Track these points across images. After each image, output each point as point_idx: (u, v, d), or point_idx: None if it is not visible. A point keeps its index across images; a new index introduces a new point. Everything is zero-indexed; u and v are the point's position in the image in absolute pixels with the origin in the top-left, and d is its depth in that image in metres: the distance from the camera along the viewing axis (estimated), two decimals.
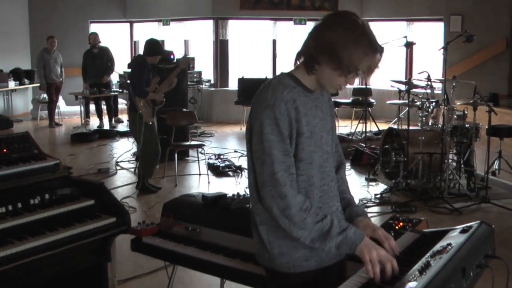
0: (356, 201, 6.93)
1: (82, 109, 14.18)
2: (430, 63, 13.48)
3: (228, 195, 3.81)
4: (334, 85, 2.51)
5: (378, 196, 7.89)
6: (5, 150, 3.85)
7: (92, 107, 14.63)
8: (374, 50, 2.41)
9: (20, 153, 3.91)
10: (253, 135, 2.50)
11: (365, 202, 7.63)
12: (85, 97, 13.93)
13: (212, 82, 15.77)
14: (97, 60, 13.71)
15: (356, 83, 15.11)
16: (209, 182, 8.84)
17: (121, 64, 14.95)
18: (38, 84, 14.36)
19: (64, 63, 14.28)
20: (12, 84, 14.92)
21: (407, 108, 8.62)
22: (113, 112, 14.45)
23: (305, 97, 2.54)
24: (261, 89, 2.54)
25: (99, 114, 14.30)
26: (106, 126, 14.17)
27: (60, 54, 14.09)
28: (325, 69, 2.45)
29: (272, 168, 2.42)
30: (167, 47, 14.46)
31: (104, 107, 14.39)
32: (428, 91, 8.92)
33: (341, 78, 2.45)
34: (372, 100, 13.34)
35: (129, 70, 9.43)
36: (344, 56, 2.36)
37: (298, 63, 2.56)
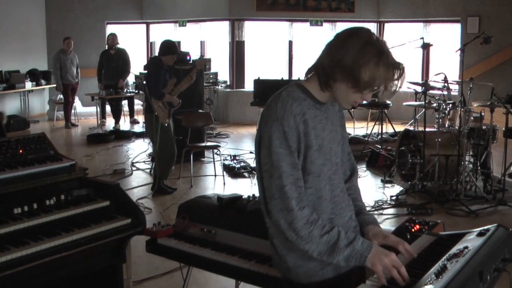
0: (372, 203, 6.90)
1: (98, 110, 14.23)
2: (447, 65, 13.42)
3: (243, 197, 3.80)
4: (350, 101, 2.51)
5: (394, 198, 7.85)
6: (21, 151, 3.86)
7: (108, 108, 14.66)
8: (393, 66, 2.39)
9: (36, 154, 3.92)
10: (261, 148, 2.50)
11: (380, 204, 7.59)
12: (101, 98, 13.96)
13: (228, 83, 15.78)
14: (114, 61, 13.73)
15: None
16: (224, 183, 8.84)
17: (138, 65, 15.01)
18: (55, 85, 14.44)
19: (80, 64, 14.36)
20: (29, 85, 14.99)
21: (424, 110, 8.58)
22: (120, 114, 14.41)
23: (315, 110, 2.54)
24: (271, 101, 2.53)
25: (115, 115, 14.35)
26: (123, 127, 14.22)
27: (76, 55, 14.17)
28: (341, 86, 2.44)
29: (281, 181, 2.43)
30: (183, 48, 14.46)
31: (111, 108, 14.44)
32: (445, 92, 8.88)
33: (356, 95, 2.45)
34: (388, 102, 13.27)
35: (145, 71, 9.45)
36: (362, 74, 2.35)
37: (310, 75, 2.55)
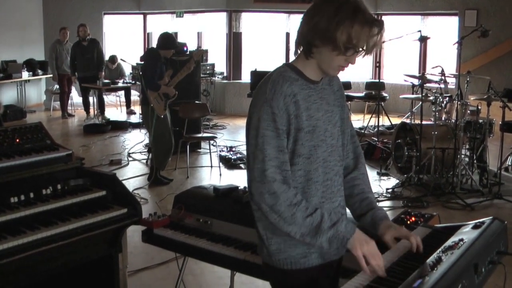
0: None
1: (95, 100, 14.18)
2: (444, 58, 13.42)
3: (239, 188, 3.81)
4: (335, 66, 2.44)
5: (390, 190, 7.87)
6: (18, 141, 3.86)
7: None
8: (370, 23, 2.34)
9: (33, 144, 3.92)
10: (250, 129, 2.47)
11: (376, 196, 7.60)
12: (98, 89, 13.89)
13: (225, 74, 15.76)
14: (88, 53, 13.44)
15: (369, 77, 15.10)
16: (220, 174, 8.85)
17: (134, 56, 14.96)
18: (51, 75, 14.38)
19: None
20: (25, 75, 14.95)
21: (421, 103, 8.58)
22: (103, 106, 14.13)
23: (309, 90, 2.49)
24: (262, 82, 2.50)
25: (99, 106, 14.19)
26: (120, 117, 14.18)
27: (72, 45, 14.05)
28: (323, 51, 2.40)
29: (263, 164, 2.39)
30: (180, 39, 14.44)
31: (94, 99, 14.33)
32: (442, 86, 8.89)
33: (340, 57, 2.39)
34: (385, 94, 13.28)
35: (142, 62, 9.43)
36: (340, 33, 2.31)
37: (299, 52, 2.51)
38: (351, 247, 2.38)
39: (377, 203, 2.77)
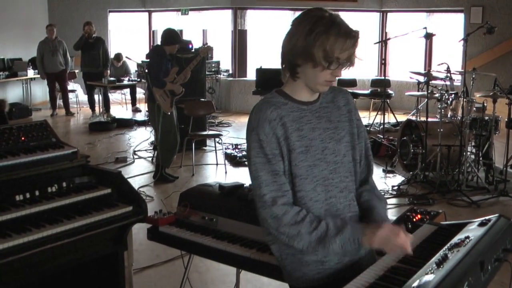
0: None
1: (100, 98, 14.19)
2: (450, 55, 13.39)
3: (245, 185, 3.80)
4: (321, 82, 2.44)
5: (396, 188, 7.86)
6: (23, 138, 3.87)
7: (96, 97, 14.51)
8: (345, 34, 2.34)
9: (38, 141, 3.92)
10: (247, 158, 2.52)
11: (382, 193, 7.57)
12: (103, 87, 13.90)
13: (230, 72, 15.77)
14: (94, 49, 13.51)
15: (375, 74, 15.09)
16: (226, 172, 8.85)
17: (140, 53, 14.96)
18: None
19: None
20: (31, 73, 14.99)
21: (426, 100, 8.56)
22: (108, 104, 14.17)
23: (300, 112, 2.50)
24: (251, 111, 2.53)
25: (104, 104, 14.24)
26: (125, 115, 14.19)
27: (63, 42, 13.94)
28: (307, 70, 2.41)
29: (260, 191, 2.43)
30: (185, 37, 14.45)
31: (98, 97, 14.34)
32: (448, 83, 8.87)
33: (324, 72, 2.39)
34: (390, 92, 13.27)
35: (148, 60, 9.44)
36: (317, 49, 2.33)
37: (286, 76, 2.53)
38: (369, 244, 2.40)
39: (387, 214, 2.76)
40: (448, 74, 8.72)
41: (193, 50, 10.37)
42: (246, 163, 9.02)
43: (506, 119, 8.12)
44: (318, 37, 2.32)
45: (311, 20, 2.36)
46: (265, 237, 2.63)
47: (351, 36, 2.36)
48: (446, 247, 2.47)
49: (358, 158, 2.66)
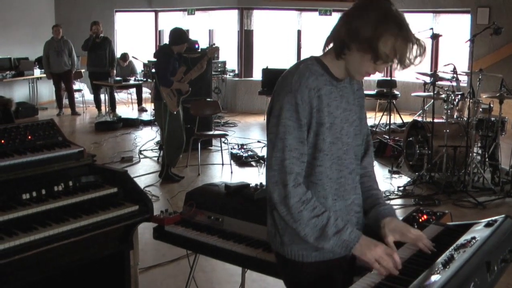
0: None
1: (106, 97, 14.21)
2: (456, 56, 13.37)
3: (251, 185, 3.80)
4: (362, 71, 2.43)
5: (401, 188, 7.85)
6: (30, 137, 3.87)
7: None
8: (413, 42, 2.33)
9: (45, 140, 3.93)
10: (271, 117, 2.46)
11: (388, 194, 7.59)
12: (109, 86, 13.92)
13: (236, 72, 15.78)
14: (101, 49, 13.57)
15: (381, 75, 15.05)
16: (232, 172, 8.85)
17: (146, 53, 14.97)
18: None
19: None
20: (37, 72, 15.02)
21: (432, 101, 8.55)
22: (114, 104, 14.22)
23: (331, 86, 2.47)
24: (287, 72, 2.48)
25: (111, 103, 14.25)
26: (131, 115, 14.20)
27: (69, 41, 13.97)
28: (356, 55, 2.37)
29: (283, 154, 2.39)
30: (191, 37, 14.41)
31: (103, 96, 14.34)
32: (454, 83, 8.86)
33: (370, 64, 2.37)
34: (396, 92, 13.25)
35: (155, 59, 9.45)
36: (381, 45, 2.29)
37: (327, 48, 2.49)
38: (359, 254, 2.38)
39: (385, 200, 2.74)
40: (455, 75, 8.70)
41: (199, 50, 10.37)
42: (252, 163, 9.11)
43: None
44: (388, 34, 2.29)
45: (381, 11, 2.32)
46: (268, 202, 2.58)
47: (420, 45, 2.35)
48: (452, 247, 2.47)
49: (361, 143, 2.68)
